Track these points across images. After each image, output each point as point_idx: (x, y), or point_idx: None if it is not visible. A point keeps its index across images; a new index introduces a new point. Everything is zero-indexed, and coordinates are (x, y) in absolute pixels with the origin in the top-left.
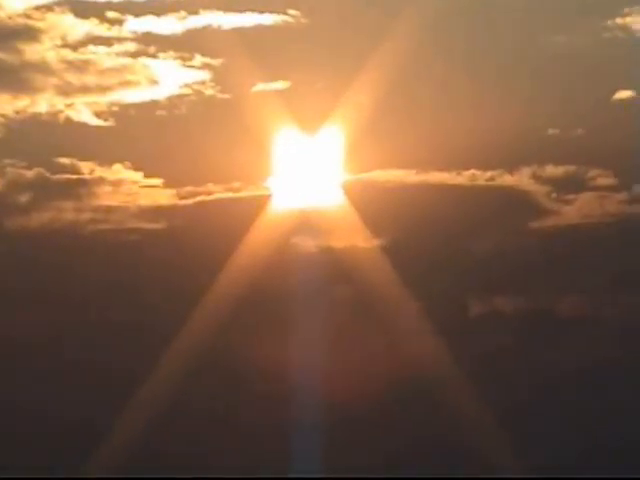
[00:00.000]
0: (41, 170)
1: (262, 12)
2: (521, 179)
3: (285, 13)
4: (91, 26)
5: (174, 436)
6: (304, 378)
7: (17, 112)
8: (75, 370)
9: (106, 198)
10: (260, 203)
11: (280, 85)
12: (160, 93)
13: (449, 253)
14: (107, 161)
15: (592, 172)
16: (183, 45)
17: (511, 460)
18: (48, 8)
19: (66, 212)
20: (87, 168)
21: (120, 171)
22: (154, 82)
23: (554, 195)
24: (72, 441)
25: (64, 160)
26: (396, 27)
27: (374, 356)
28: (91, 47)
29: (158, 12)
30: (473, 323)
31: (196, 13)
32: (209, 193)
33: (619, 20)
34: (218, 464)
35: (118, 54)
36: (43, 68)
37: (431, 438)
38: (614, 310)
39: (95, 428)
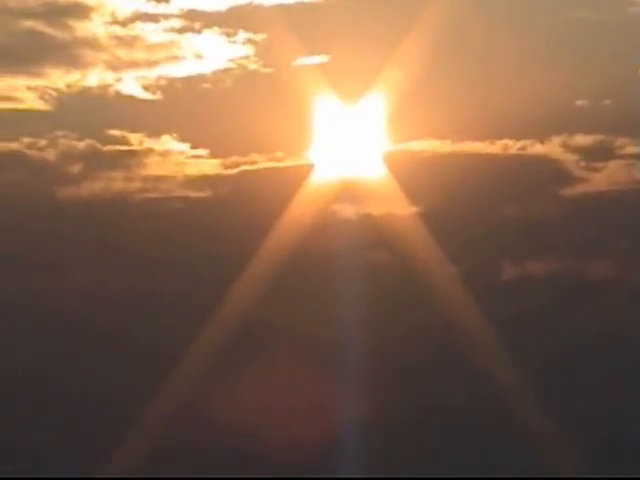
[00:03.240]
0: (92, 141)
1: None
2: (552, 148)
3: None
4: (139, 3)
5: (216, 394)
6: (344, 339)
7: (69, 86)
8: (124, 333)
9: (154, 168)
10: (302, 172)
11: (320, 59)
12: (205, 67)
13: (483, 220)
14: (155, 133)
15: (620, 141)
16: (227, 21)
17: (539, 418)
18: None
19: (116, 182)
20: (136, 139)
21: (168, 142)
22: (199, 57)
23: (583, 163)
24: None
25: (114, 132)
26: (433, 3)
27: (412, 318)
28: (139, 23)
29: None
30: (507, 286)
31: None
32: (253, 163)
33: None
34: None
35: (165, 30)
36: (93, 44)
37: (464, 396)
38: None
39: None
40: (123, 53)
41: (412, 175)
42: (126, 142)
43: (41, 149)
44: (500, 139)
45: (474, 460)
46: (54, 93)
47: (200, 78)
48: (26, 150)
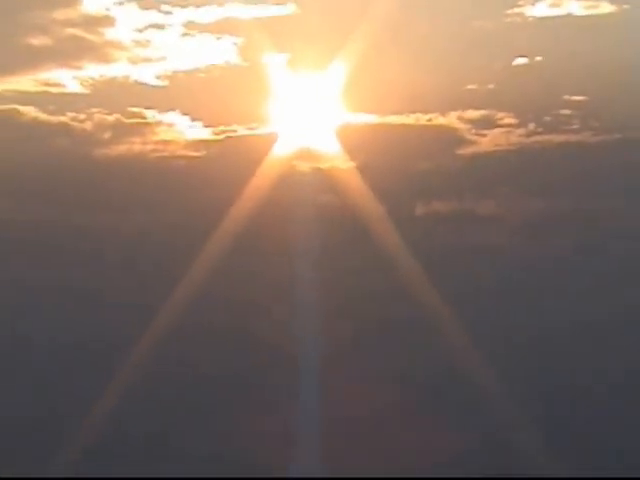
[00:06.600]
0: (118, 116)
1: (270, 4)
2: (450, 120)
3: (284, 5)
4: (151, 15)
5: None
6: (301, 249)
7: (101, 76)
8: (130, 250)
9: (163, 135)
10: (271, 137)
11: (285, 56)
12: (200, 62)
13: (402, 171)
14: (164, 109)
15: (500, 114)
16: (216, 29)
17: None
18: (121, 3)
19: (136, 145)
20: (150, 114)
21: (173, 116)
22: (195, 55)
23: (474, 131)
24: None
25: (134, 109)
26: (370, 15)
27: (350, 242)
28: (151, 30)
29: (197, 5)
30: (419, 220)
31: (223, 5)
32: (234, 131)
33: (517, 9)
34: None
35: (170, 35)
36: (118, 45)
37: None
38: (517, 209)
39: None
40: (140, 51)
41: (350, 139)
42: (143, 116)
43: (81, 121)
44: (414, 113)
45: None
46: (91, 81)
47: (196, 70)
48: (70, 122)
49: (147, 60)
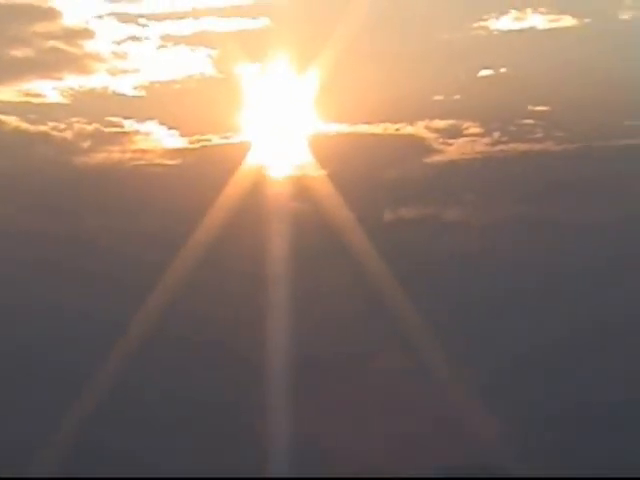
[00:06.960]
0: (97, 125)
1: (244, 17)
2: (418, 129)
3: (257, 18)
4: (129, 28)
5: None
6: (274, 255)
7: (81, 86)
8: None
9: (141, 143)
10: (244, 146)
11: (257, 67)
12: (176, 73)
13: (371, 179)
14: (142, 119)
15: (465, 124)
16: (192, 41)
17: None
18: (100, 16)
19: (114, 153)
20: (128, 124)
21: (150, 126)
22: (172, 66)
23: (440, 140)
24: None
25: (113, 118)
26: (339, 29)
27: (319, 248)
28: (129, 42)
29: (173, 18)
30: (387, 225)
31: (199, 18)
32: (209, 140)
33: (482, 22)
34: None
35: (147, 47)
36: (97, 57)
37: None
38: (482, 215)
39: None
40: (118, 63)
41: (322, 147)
42: (121, 125)
43: (62, 131)
44: (382, 123)
45: None
46: (70, 91)
47: (173, 81)
48: (51, 131)
49: (125, 71)
